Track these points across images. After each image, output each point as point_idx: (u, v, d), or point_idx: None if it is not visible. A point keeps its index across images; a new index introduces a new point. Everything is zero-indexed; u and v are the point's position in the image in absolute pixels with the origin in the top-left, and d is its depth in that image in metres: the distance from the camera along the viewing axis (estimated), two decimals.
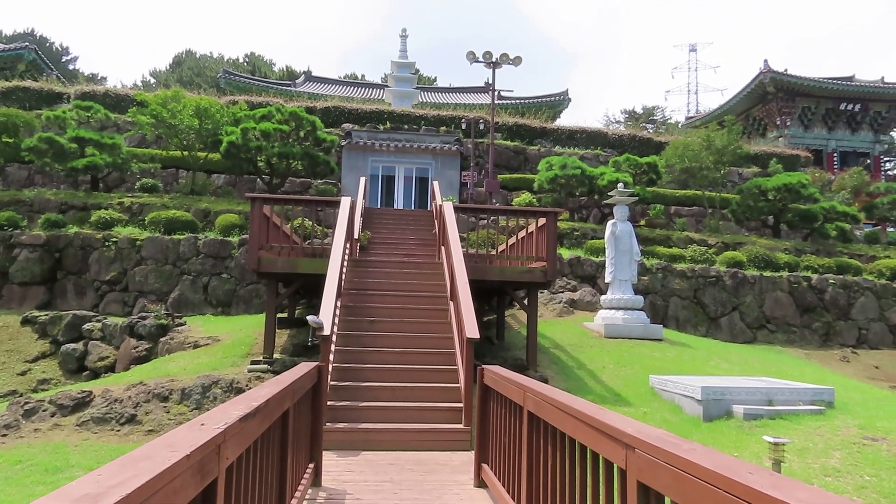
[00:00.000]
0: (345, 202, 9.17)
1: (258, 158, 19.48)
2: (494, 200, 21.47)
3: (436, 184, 19.51)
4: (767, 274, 16.86)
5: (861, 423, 7.39)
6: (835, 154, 37.42)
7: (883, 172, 40.73)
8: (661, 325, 13.05)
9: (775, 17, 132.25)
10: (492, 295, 12.28)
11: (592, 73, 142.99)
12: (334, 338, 7.22)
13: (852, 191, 25.73)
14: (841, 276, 17.29)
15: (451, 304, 7.71)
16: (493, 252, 12.05)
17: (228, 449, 1.95)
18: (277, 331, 11.24)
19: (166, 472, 1.39)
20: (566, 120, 43.69)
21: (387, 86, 37.01)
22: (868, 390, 11.12)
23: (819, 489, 1.32)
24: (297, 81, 43.91)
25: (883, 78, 37.13)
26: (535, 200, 19.87)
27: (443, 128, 26.09)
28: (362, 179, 18.55)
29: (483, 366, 4.88)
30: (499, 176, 23.48)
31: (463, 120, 24.04)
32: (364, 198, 18.29)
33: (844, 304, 16.90)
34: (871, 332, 16.85)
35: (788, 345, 16.14)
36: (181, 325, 12.88)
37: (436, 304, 8.63)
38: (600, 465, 2.34)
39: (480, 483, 4.81)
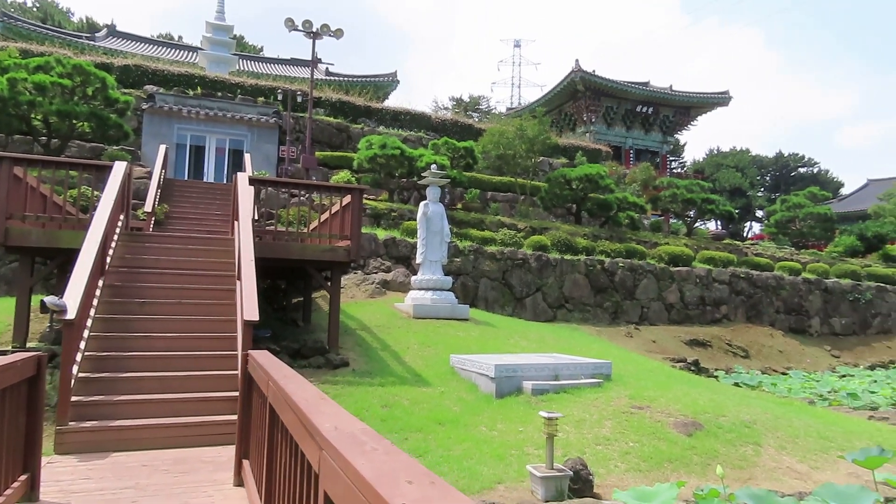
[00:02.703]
0: (118, 167, 7.99)
1: (33, 116, 16.74)
2: (313, 177, 20.65)
3: (248, 156, 18.27)
4: (568, 257, 18.09)
5: (631, 393, 8.03)
6: (631, 151, 41.58)
7: (669, 169, 46.18)
8: (469, 306, 13.34)
9: (590, 20, 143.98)
10: (298, 275, 11.67)
11: (427, 59, 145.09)
12: (90, 322, 6.21)
13: (642, 184, 28.68)
14: (629, 260, 19.09)
15: (238, 283, 7.03)
16: (305, 230, 11.43)
17: None
18: (41, 315, 9.69)
19: None
20: (394, 102, 43.66)
21: (202, 49, 34.02)
22: (644, 362, 12.31)
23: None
24: (97, 35, 38.79)
25: (671, 86, 41.85)
26: (354, 179, 19.42)
27: (261, 98, 24.56)
28: (163, 147, 16.77)
29: (250, 351, 4.37)
30: (321, 153, 22.66)
31: (279, 90, 22.74)
32: (165, 168, 16.59)
33: (631, 285, 18.71)
34: (651, 310, 18.85)
35: (583, 322, 17.49)
36: None
37: (223, 283, 7.87)
38: (306, 469, 2.00)
39: (241, 482, 4.32)
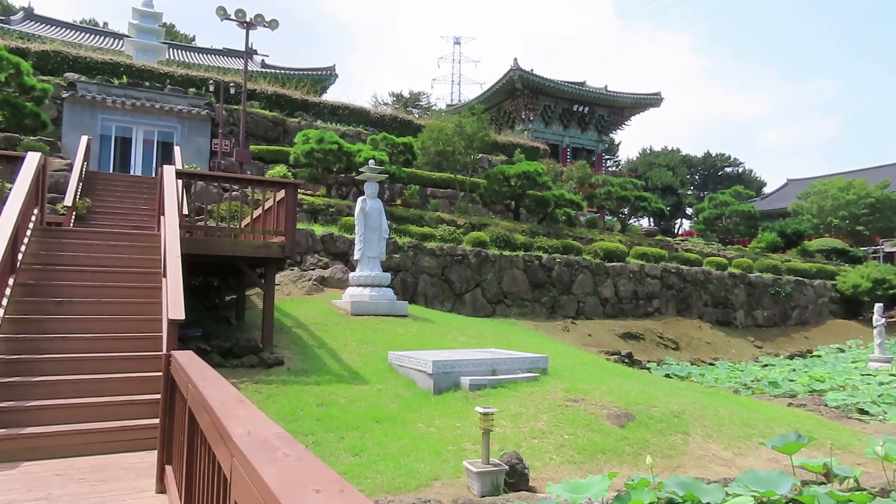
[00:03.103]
0: (31, 158, 7.48)
1: None
2: (248, 171, 20.06)
3: (178, 149, 17.56)
4: (507, 253, 18.27)
5: (567, 386, 8.15)
6: (568, 149, 42.42)
7: (604, 168, 47.38)
8: (408, 302, 13.27)
9: (528, 20, 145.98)
10: (231, 272, 11.30)
11: (368, 54, 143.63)
12: None
13: (578, 181, 29.31)
14: (566, 256, 19.46)
15: (164, 281, 6.71)
16: (238, 226, 11.06)
17: None
18: None
19: None
20: (333, 96, 42.95)
21: (129, 37, 32.48)
22: (579, 356, 12.56)
23: None
24: (12, 18, 36.42)
25: (606, 86, 42.92)
26: (290, 174, 18.99)
27: (192, 90, 23.66)
28: (85, 138, 15.88)
29: (173, 352, 4.16)
30: (256, 147, 22.04)
31: (211, 81, 21.97)
32: (87, 160, 15.74)
33: (567, 280, 19.07)
34: (587, 305, 19.28)
35: (522, 317, 17.71)
36: None
37: (149, 281, 7.50)
38: (221, 476, 1.88)
39: (163, 489, 4.11)
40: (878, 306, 16.97)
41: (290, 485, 1.12)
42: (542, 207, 22.86)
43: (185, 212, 11.74)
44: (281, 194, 9.14)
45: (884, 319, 16.58)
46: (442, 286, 16.88)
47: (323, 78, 37.49)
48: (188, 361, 3.48)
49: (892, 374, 14.11)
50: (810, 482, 5.58)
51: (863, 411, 10.15)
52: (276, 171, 18.91)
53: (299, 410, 7.26)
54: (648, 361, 16.73)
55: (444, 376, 8.06)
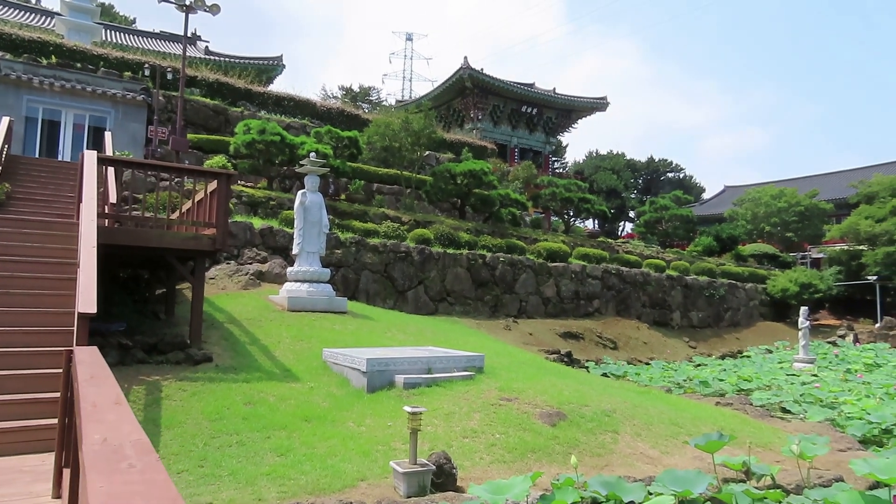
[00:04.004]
0: None
1: None
2: (186, 161, 19.36)
3: (109, 134, 16.76)
4: (451, 251, 18.23)
5: (501, 385, 8.13)
6: (516, 150, 42.78)
7: (551, 169, 48.02)
8: (348, 298, 13.05)
9: (480, 20, 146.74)
10: (162, 264, 10.83)
11: (319, 47, 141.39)
12: None
13: (524, 182, 29.59)
14: (510, 255, 19.58)
15: (79, 272, 6.32)
16: (172, 216, 10.61)
17: None
18: None
19: None
20: (280, 88, 41.99)
21: (60, 15, 30.87)
22: (518, 355, 12.61)
23: None
24: None
25: (555, 89, 43.49)
26: (230, 165, 18.40)
27: (128, 73, 22.65)
28: (5, 119, 14.94)
29: (74, 348, 3.88)
30: (195, 136, 21.29)
31: (147, 65, 21.09)
32: (9, 142, 14.82)
33: (511, 279, 19.19)
34: (529, 304, 19.45)
35: (464, 315, 17.71)
36: None
37: (65, 272, 7.07)
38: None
39: (59, 493, 3.83)
40: (803, 310, 17.73)
41: (115, 501, 0.98)
42: (487, 206, 22.94)
43: (114, 200, 11.20)
44: (213, 185, 8.79)
45: (808, 322, 17.34)
46: (384, 283, 16.70)
47: (269, 68, 36.59)
48: (85, 358, 3.24)
49: (814, 375, 14.76)
50: (731, 480, 5.71)
51: (785, 410, 10.55)
52: (215, 162, 18.29)
53: (225, 409, 6.99)
54: (587, 360, 17.00)
55: (379, 374, 7.92)
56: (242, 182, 19.23)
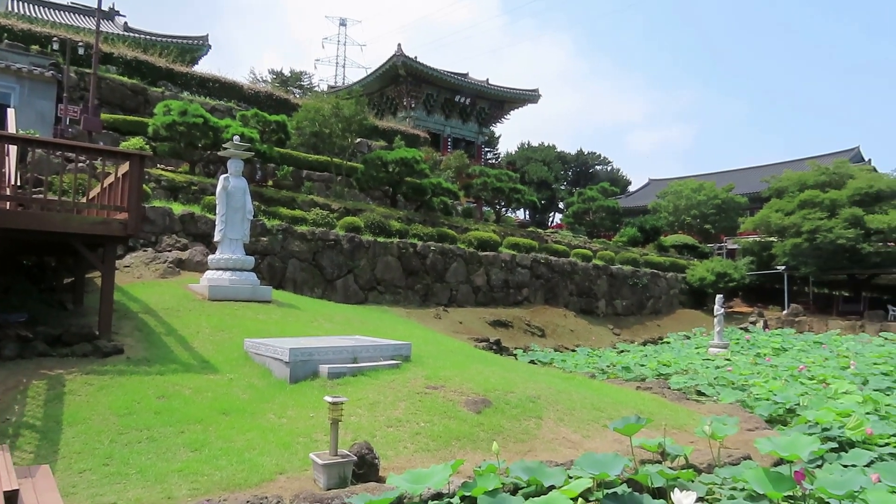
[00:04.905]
0: None
1: None
2: (100, 142, 18.26)
3: (12, 111, 15.59)
4: (381, 240, 18.04)
5: (428, 373, 8.08)
6: (449, 139, 42.84)
7: (484, 159, 48.39)
8: (272, 287, 12.68)
9: (415, 8, 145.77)
10: (70, 252, 10.16)
11: (250, 30, 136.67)
12: None
13: (456, 171, 29.66)
14: (441, 244, 19.57)
15: None
16: (83, 200, 9.94)
17: None
18: None
19: None
20: (205, 68, 40.30)
21: None
22: (447, 343, 12.61)
23: None
24: None
25: (488, 79, 43.77)
26: (148, 147, 17.49)
27: (36, 47, 21.13)
28: None
29: None
30: (110, 116, 20.13)
31: (55, 39, 19.74)
32: None
33: (441, 268, 19.19)
34: (459, 293, 19.53)
35: (395, 304, 17.59)
36: None
37: None
38: None
39: None
40: (718, 297, 18.61)
41: None
42: (419, 195, 22.84)
43: (16, 182, 10.42)
44: (126, 166, 8.28)
45: (723, 309, 18.21)
46: (312, 272, 16.34)
47: (194, 48, 35.02)
48: None
49: (727, 359, 15.53)
50: (647, 461, 5.88)
51: (700, 393, 11.03)
52: (132, 143, 17.34)
53: (135, 403, 6.62)
54: (516, 348, 17.25)
55: (302, 364, 7.70)
56: (162, 166, 18.33)
